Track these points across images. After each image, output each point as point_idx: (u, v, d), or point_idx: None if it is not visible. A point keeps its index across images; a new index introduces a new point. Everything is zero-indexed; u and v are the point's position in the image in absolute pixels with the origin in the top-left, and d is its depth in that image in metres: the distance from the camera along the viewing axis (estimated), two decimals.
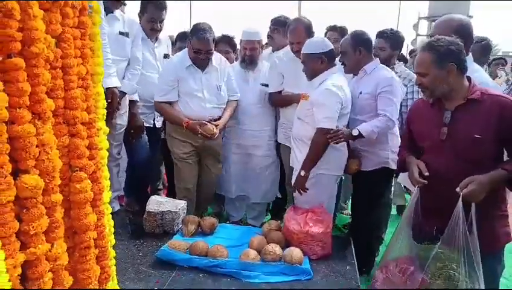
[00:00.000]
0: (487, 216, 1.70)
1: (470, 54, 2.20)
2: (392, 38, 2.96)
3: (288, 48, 2.94)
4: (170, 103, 2.81)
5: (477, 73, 2.12)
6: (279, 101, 3.05)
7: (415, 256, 1.79)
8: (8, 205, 0.98)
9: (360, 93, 2.55)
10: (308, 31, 2.86)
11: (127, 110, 2.81)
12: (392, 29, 3.03)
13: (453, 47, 1.71)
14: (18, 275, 1.03)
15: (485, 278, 1.65)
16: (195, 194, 3.01)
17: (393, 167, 2.60)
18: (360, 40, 2.58)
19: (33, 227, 1.04)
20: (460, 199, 1.64)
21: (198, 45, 2.64)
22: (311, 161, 2.45)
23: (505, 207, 1.83)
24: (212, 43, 2.69)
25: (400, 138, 2.69)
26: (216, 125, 2.76)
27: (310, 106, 2.49)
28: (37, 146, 1.05)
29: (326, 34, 3.75)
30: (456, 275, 1.64)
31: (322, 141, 2.41)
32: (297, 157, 2.57)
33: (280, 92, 3.00)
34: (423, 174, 1.81)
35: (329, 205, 2.61)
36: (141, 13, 2.99)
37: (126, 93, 2.73)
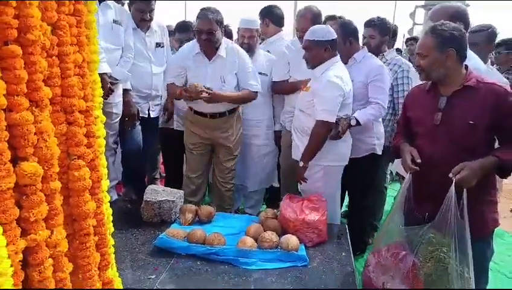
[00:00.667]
0: (477, 202, 1.74)
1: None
2: (379, 26, 3.04)
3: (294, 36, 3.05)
4: None
5: (473, 60, 2.18)
6: (283, 90, 3.07)
7: (406, 241, 1.83)
8: (8, 192, 0.99)
9: (352, 81, 2.59)
10: (314, 21, 2.92)
11: (121, 99, 2.81)
12: (378, 17, 3.10)
13: (456, 33, 1.75)
14: (19, 261, 1.04)
15: (475, 262, 1.69)
16: (203, 185, 3.05)
17: (379, 152, 2.75)
18: (349, 31, 2.65)
19: (33, 214, 1.05)
20: (453, 184, 1.67)
21: (199, 24, 2.59)
22: (310, 153, 2.47)
23: (495, 193, 1.89)
24: (216, 24, 2.59)
25: (382, 125, 2.82)
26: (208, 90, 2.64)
27: (311, 97, 2.48)
28: (35, 134, 1.05)
29: (324, 23, 3.74)
30: (446, 258, 1.69)
31: (322, 133, 2.43)
32: (300, 148, 2.58)
33: (285, 81, 3.02)
34: (415, 161, 1.84)
35: (337, 194, 2.68)
36: (130, 3, 2.97)
37: (119, 81, 2.72)
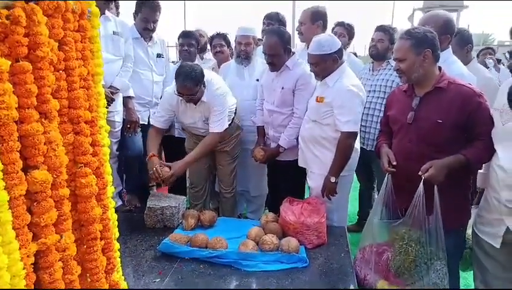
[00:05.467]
0: (448, 196, 1.84)
1: (450, 46, 2.37)
2: (390, 34, 3.18)
3: None
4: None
5: (455, 64, 2.31)
6: None
7: (386, 238, 2.00)
8: (20, 199, 1.05)
9: (282, 88, 2.77)
10: (314, 15, 3.16)
11: (122, 107, 2.90)
12: (390, 26, 3.30)
13: (429, 34, 1.87)
14: (31, 264, 1.11)
15: (448, 253, 1.83)
16: (205, 190, 3.11)
17: None
18: (288, 38, 2.77)
19: (43, 219, 1.11)
20: (422, 182, 1.81)
21: (179, 89, 2.60)
22: (339, 167, 2.49)
23: (466, 189, 1.99)
24: (194, 87, 2.56)
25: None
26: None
27: (327, 108, 2.47)
28: (44, 144, 1.12)
29: (333, 29, 3.80)
30: (413, 251, 1.82)
31: (349, 144, 2.46)
32: (310, 158, 2.64)
33: None
34: (392, 163, 1.98)
35: (347, 201, 2.75)
36: (136, 13, 3.09)
37: (119, 90, 2.81)
